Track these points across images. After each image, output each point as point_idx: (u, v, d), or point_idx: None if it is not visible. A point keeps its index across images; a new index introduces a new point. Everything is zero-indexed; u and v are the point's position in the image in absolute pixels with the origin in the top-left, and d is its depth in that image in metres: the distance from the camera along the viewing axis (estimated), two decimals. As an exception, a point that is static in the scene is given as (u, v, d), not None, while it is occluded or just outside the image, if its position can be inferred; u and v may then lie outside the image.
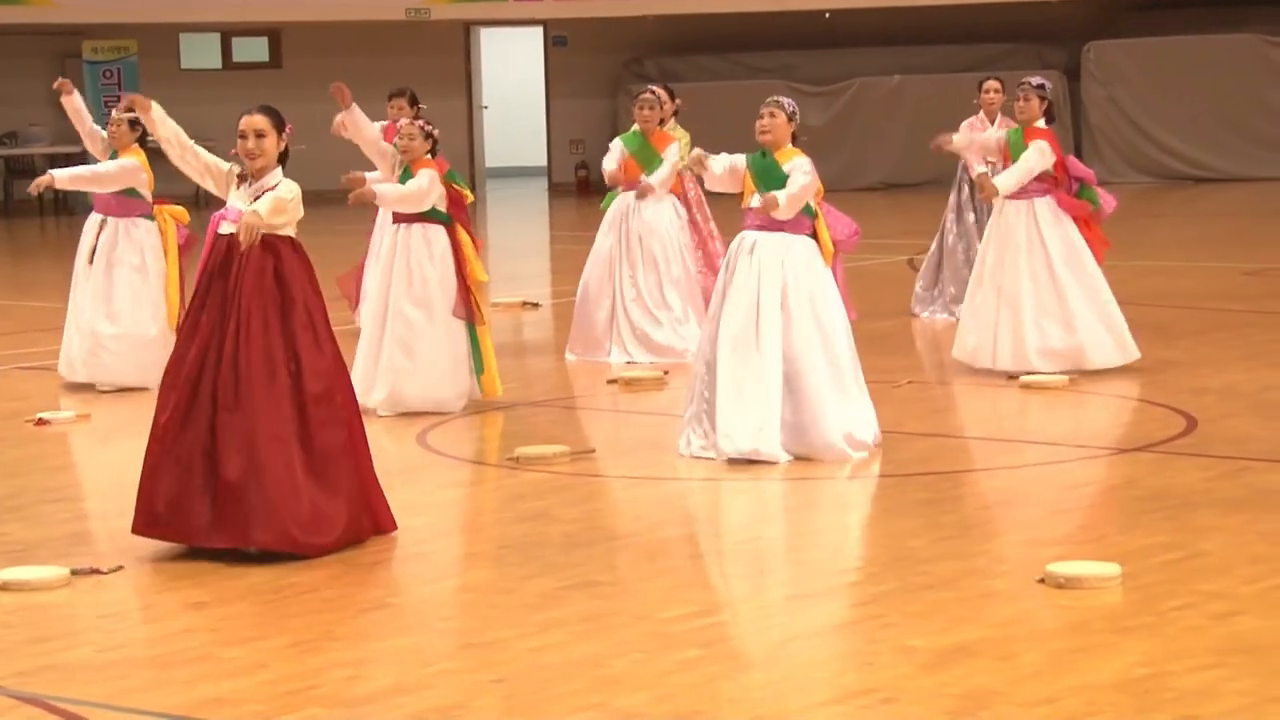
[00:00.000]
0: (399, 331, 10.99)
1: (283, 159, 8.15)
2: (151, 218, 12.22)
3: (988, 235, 12.24)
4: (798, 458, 9.49)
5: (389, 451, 9.87)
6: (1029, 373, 11.63)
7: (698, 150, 9.91)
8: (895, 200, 24.92)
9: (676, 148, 13.02)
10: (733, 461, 9.48)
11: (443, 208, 11.01)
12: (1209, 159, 26.16)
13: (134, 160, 12.06)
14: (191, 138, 8.25)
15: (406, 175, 11.00)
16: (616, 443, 10.65)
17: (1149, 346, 12.27)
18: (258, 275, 7.98)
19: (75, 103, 12.45)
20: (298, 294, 8.03)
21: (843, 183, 23.74)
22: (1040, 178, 11.85)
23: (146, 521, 7.97)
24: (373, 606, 7.36)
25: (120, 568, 7.77)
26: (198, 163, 8.19)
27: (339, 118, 11.62)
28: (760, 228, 9.73)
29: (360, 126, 11.46)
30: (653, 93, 13.20)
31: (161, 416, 7.99)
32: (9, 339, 14.66)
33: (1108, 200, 12.05)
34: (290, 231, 8.10)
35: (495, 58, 30.10)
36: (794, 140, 9.77)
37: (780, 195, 9.52)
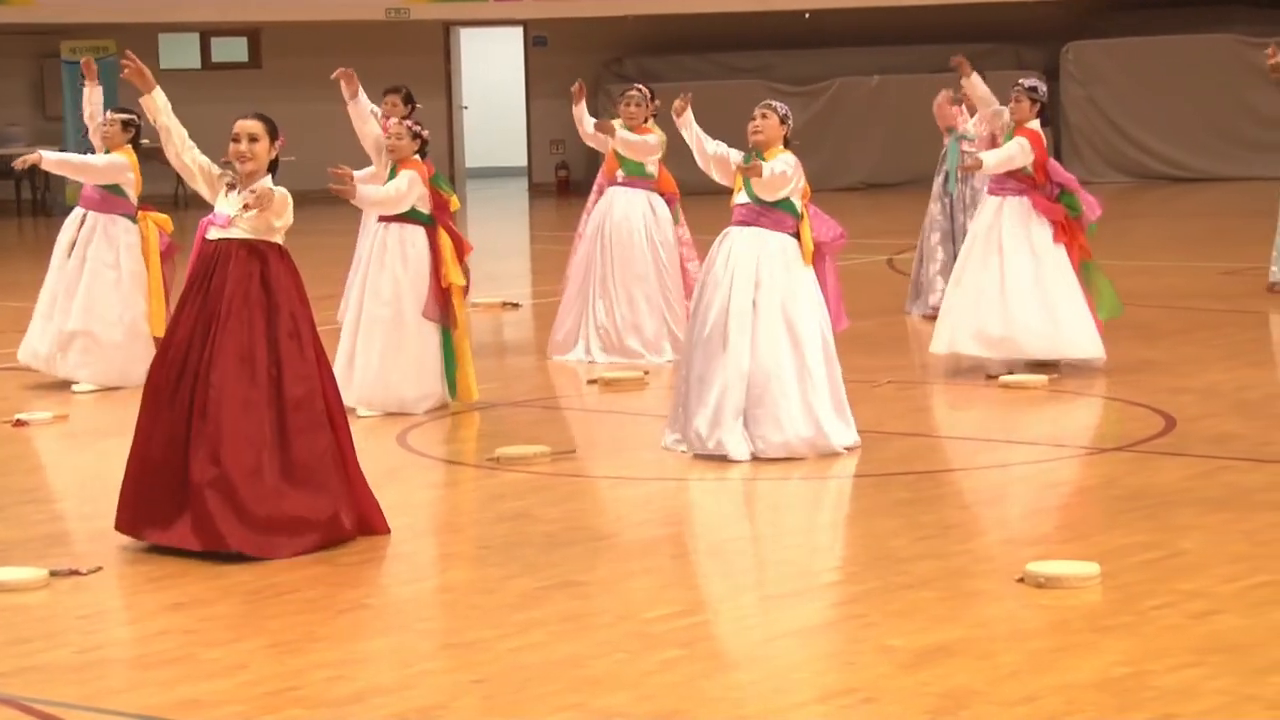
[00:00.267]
0: (368, 330, 10.99)
1: (272, 168, 8.17)
2: (134, 219, 12.22)
3: (969, 235, 12.29)
4: (757, 458, 9.49)
5: (368, 452, 9.81)
6: (1009, 372, 11.66)
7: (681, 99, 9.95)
8: (875, 200, 24.93)
9: (657, 135, 13.07)
10: (699, 457, 9.52)
11: (424, 208, 10.99)
12: (1188, 159, 26.18)
13: (124, 158, 12.10)
14: (172, 138, 8.25)
15: (394, 174, 10.99)
16: (597, 443, 10.65)
17: (1129, 346, 12.28)
18: (243, 280, 7.99)
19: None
20: (283, 301, 8.03)
21: (823, 182, 23.65)
22: (1019, 178, 11.84)
23: (129, 520, 8.01)
24: (353, 607, 7.35)
25: (99, 569, 7.76)
26: (191, 159, 8.19)
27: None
28: (742, 223, 9.74)
29: (362, 118, 11.43)
30: (639, 90, 13.30)
31: (143, 417, 8.03)
32: (-14, 340, 14.61)
33: (1091, 207, 11.90)
34: (279, 239, 8.11)
35: (475, 58, 30.05)
36: (787, 145, 9.79)
37: (766, 166, 9.54)
